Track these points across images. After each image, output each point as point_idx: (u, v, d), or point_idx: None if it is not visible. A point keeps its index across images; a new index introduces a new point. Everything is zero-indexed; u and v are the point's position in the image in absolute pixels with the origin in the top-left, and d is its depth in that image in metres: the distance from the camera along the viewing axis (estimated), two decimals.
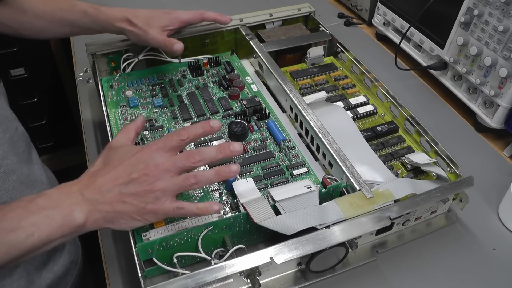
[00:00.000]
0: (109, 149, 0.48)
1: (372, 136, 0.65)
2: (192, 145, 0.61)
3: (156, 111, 0.67)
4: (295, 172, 0.58)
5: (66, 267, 0.63)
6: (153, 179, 0.44)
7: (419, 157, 0.59)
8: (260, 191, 0.53)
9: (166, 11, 0.68)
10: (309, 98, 0.67)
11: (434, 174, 0.59)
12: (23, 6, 0.63)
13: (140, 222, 0.45)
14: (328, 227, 0.48)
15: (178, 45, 0.67)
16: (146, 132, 0.63)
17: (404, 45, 0.85)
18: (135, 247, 0.46)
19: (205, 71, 0.75)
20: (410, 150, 0.63)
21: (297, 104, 0.64)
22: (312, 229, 0.47)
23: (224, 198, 0.55)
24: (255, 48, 0.75)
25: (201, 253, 0.49)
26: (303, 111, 0.63)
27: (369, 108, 0.70)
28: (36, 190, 0.60)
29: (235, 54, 0.80)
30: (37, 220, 0.41)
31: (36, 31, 0.66)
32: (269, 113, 0.67)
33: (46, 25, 0.65)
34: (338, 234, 0.47)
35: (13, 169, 0.55)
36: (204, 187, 0.56)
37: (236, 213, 0.52)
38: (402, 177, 0.59)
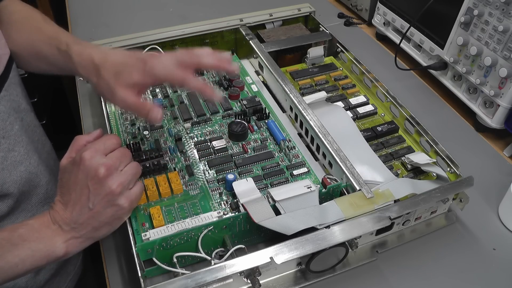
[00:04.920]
0: (60, 172, 0.48)
1: (372, 136, 0.65)
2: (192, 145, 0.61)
3: None
4: (295, 172, 0.58)
5: None
6: (105, 182, 0.44)
7: (419, 157, 0.59)
8: (260, 191, 0.53)
9: (143, 59, 0.49)
10: (309, 98, 0.67)
11: (434, 174, 0.59)
12: (7, 30, 0.57)
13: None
14: (328, 227, 0.48)
15: (157, 114, 0.49)
16: (146, 132, 0.63)
17: (404, 45, 0.85)
18: (135, 247, 0.46)
19: (205, 71, 0.75)
20: (410, 150, 0.63)
21: (297, 104, 0.64)
22: (312, 229, 0.47)
23: (224, 198, 0.55)
24: (255, 48, 0.75)
25: (201, 253, 0.49)
26: (303, 111, 0.63)
27: (369, 108, 0.70)
28: (46, 179, 0.62)
29: (235, 54, 0.80)
30: (21, 253, 0.43)
31: (16, 62, 0.58)
32: (269, 113, 0.67)
33: (24, 56, 0.58)
34: (338, 234, 0.47)
35: (20, 160, 0.56)
36: (204, 186, 0.56)
37: (236, 213, 0.52)
38: (402, 177, 0.59)
